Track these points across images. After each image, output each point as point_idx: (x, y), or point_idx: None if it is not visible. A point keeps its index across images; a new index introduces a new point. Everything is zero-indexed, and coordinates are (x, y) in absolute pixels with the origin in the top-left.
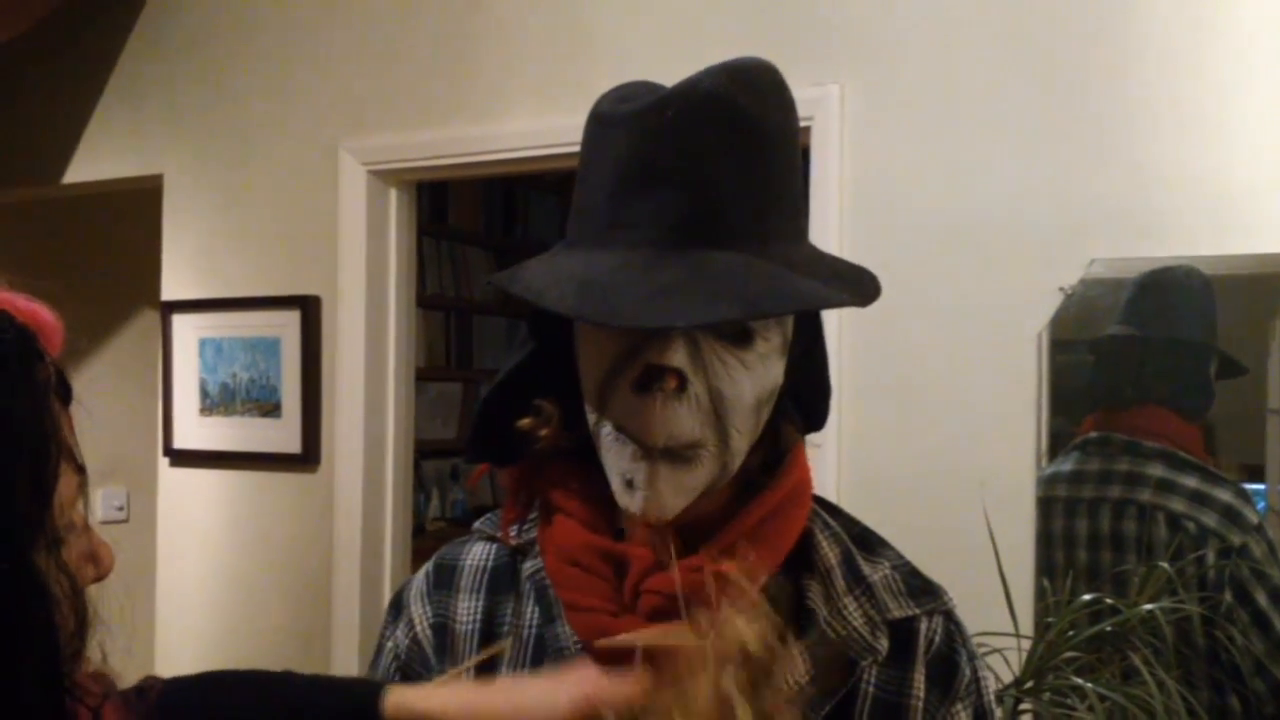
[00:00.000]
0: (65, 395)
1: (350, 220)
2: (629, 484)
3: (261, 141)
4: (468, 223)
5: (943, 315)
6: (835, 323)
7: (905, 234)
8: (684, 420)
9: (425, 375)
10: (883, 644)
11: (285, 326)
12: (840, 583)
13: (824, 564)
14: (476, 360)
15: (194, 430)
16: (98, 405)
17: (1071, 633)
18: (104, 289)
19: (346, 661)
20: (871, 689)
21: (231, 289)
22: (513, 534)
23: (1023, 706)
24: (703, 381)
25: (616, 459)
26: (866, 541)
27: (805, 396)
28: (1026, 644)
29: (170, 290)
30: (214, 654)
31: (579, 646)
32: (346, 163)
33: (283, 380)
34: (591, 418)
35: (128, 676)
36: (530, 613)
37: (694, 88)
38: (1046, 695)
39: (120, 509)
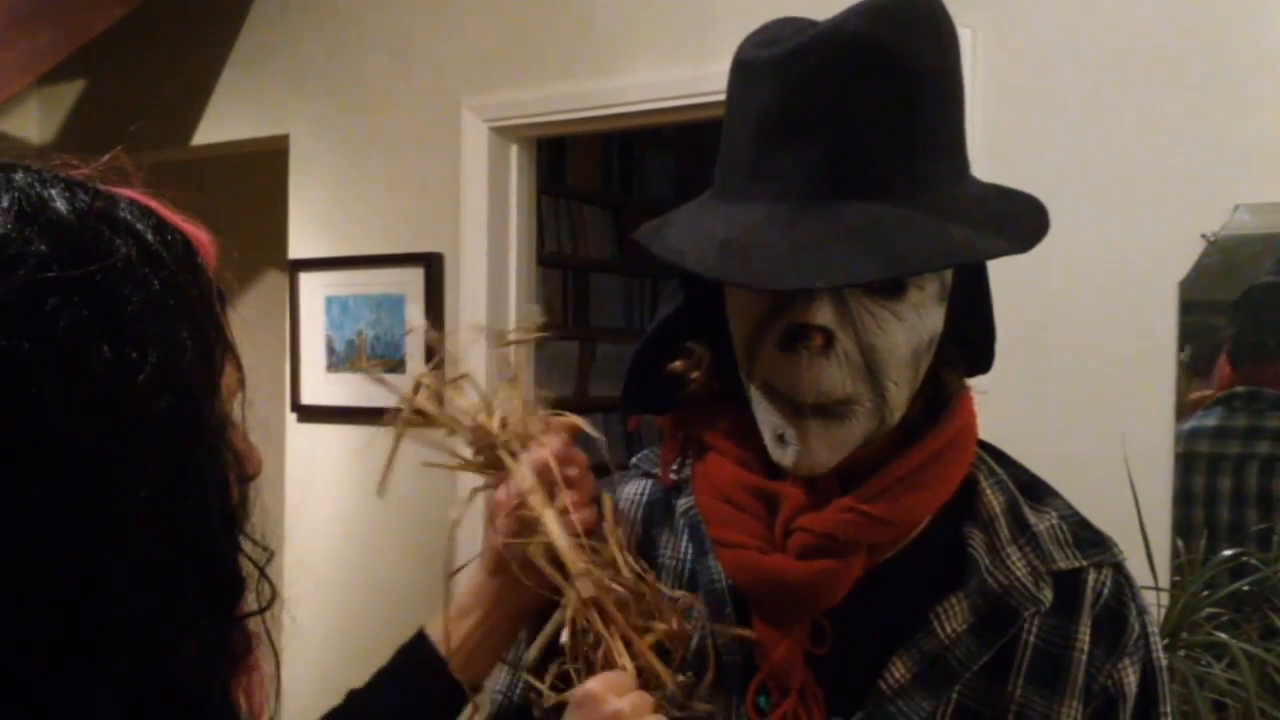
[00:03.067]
0: (222, 303)
1: (472, 177)
2: (780, 439)
3: (384, 100)
4: (586, 181)
5: (1079, 263)
6: None
7: (1039, 181)
8: (833, 376)
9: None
10: (1046, 595)
11: (409, 284)
12: (1004, 531)
13: (987, 512)
14: (593, 318)
15: (320, 386)
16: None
17: (1206, 592)
18: (235, 249)
19: None
20: (1033, 639)
21: (356, 247)
22: (670, 472)
23: None
24: (851, 337)
25: (767, 414)
26: (1034, 490)
27: (968, 339)
28: (1166, 601)
29: (297, 249)
30: (338, 606)
31: (729, 582)
32: (468, 120)
33: (406, 337)
34: (742, 371)
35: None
36: (684, 548)
37: (838, 30)
38: (1182, 652)
39: None
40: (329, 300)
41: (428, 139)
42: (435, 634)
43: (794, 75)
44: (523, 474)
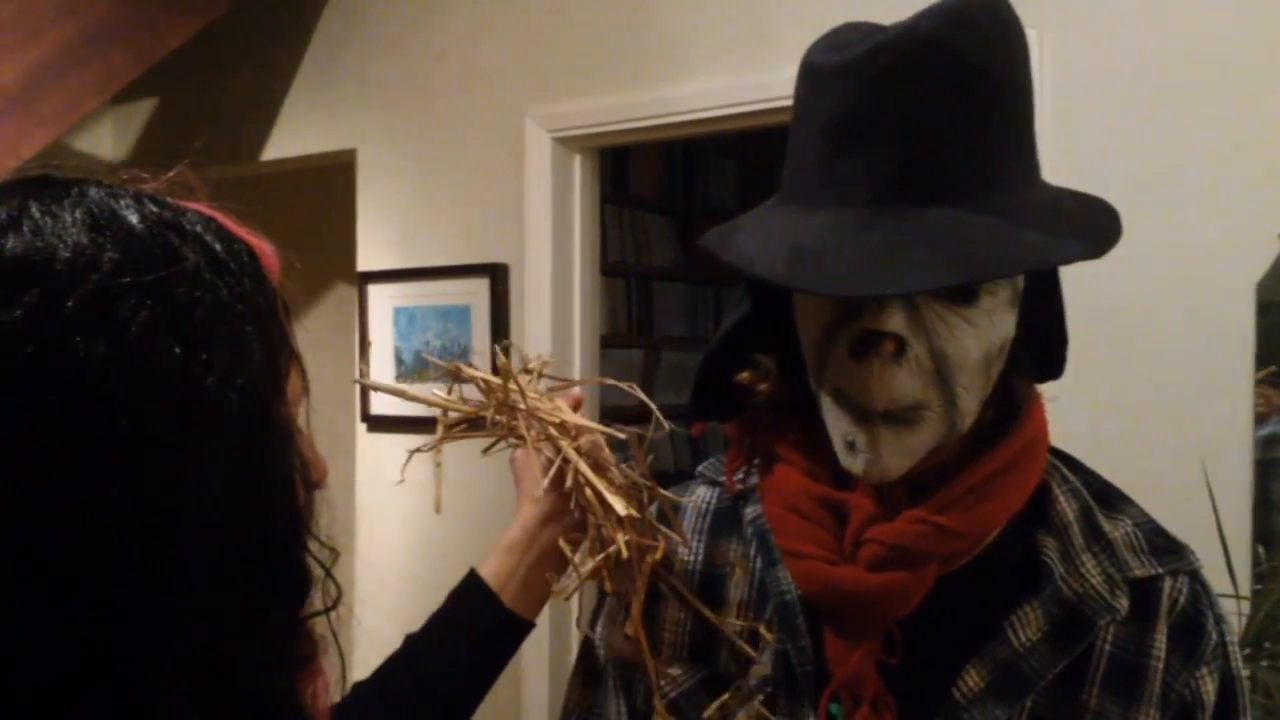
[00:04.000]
0: (286, 312)
1: (536, 188)
2: (850, 446)
3: (449, 112)
4: (648, 190)
5: (1154, 265)
6: None
7: (1108, 179)
8: (904, 383)
9: (608, 342)
10: (1122, 603)
11: (475, 294)
12: (1078, 539)
13: (1061, 520)
14: (657, 327)
15: (390, 397)
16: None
17: None
18: (303, 263)
19: (542, 619)
20: (1109, 648)
21: (423, 259)
22: (736, 480)
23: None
24: (923, 343)
25: (837, 421)
26: (1108, 497)
27: (1040, 345)
28: (1248, 610)
29: (365, 261)
30: (406, 613)
31: (799, 593)
32: (532, 130)
33: (473, 347)
34: (811, 378)
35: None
36: (753, 557)
37: (909, 34)
38: (1265, 663)
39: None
40: (397, 311)
41: (492, 150)
42: (486, 572)
43: (864, 80)
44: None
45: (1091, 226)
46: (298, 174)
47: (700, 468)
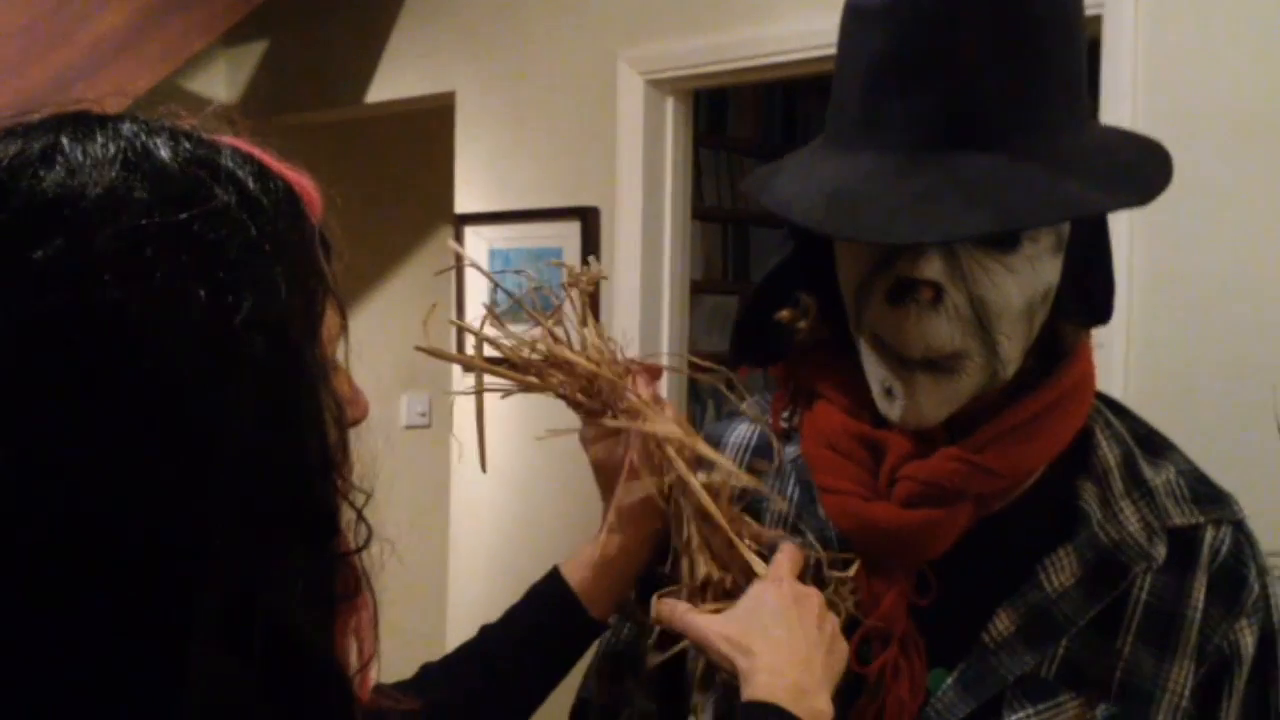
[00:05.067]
0: (326, 250)
1: (628, 130)
2: (888, 392)
3: (544, 54)
4: (746, 133)
5: (1243, 214)
6: (1126, 219)
7: (1204, 128)
8: (942, 331)
9: (702, 288)
10: (1159, 551)
11: (566, 237)
12: (1118, 485)
13: (1101, 465)
14: (753, 272)
15: (485, 335)
16: (400, 316)
17: None
18: (403, 205)
19: None
20: (1145, 596)
21: (518, 201)
22: (783, 419)
23: None
24: (962, 291)
25: (875, 367)
26: (1152, 444)
27: (1086, 291)
28: None
29: (463, 204)
30: (501, 549)
31: (837, 531)
32: (624, 72)
33: (563, 289)
34: (851, 322)
35: (425, 575)
36: (791, 494)
37: None
38: None
39: (423, 415)
40: (492, 253)
41: (585, 93)
42: (571, 577)
43: (906, 21)
44: (667, 425)
45: (1138, 172)
46: (400, 117)
47: (743, 405)
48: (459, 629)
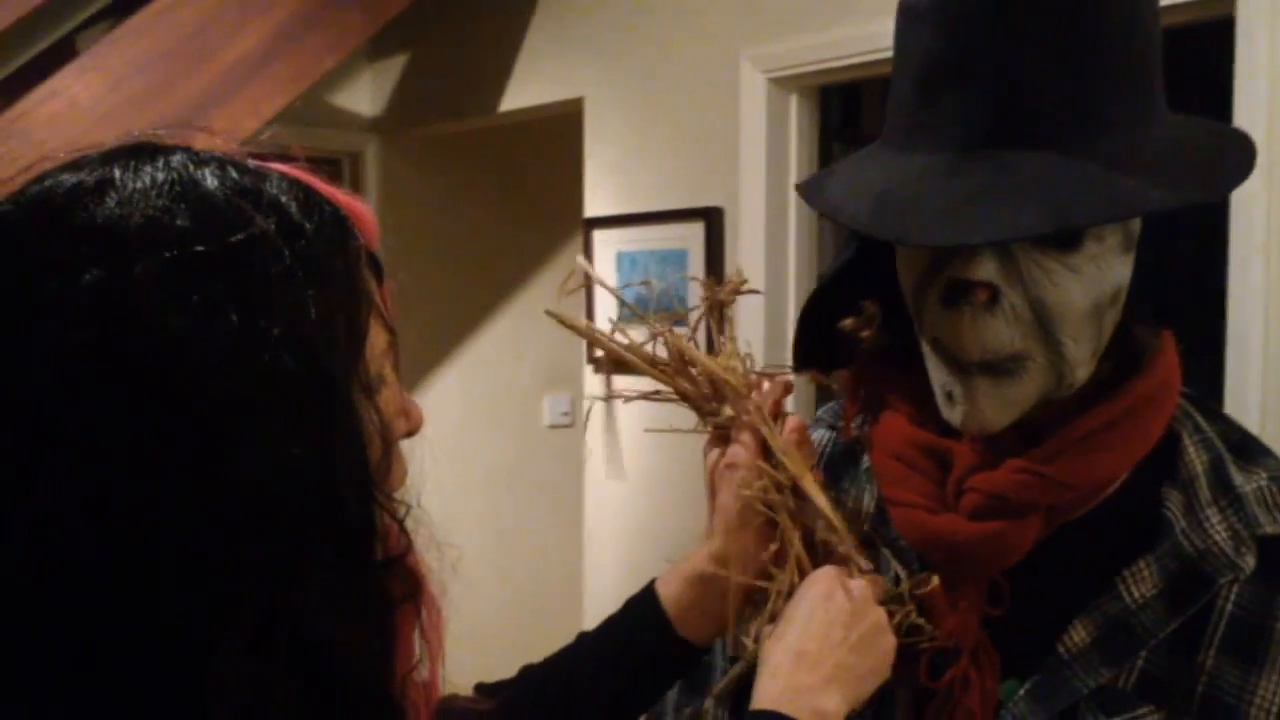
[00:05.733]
0: (377, 271)
1: (750, 130)
2: (949, 396)
3: (668, 57)
4: (880, 128)
5: None
6: (1265, 206)
7: None
8: (999, 334)
9: None
10: (1248, 561)
11: (690, 239)
12: (1204, 492)
13: (1188, 472)
14: None
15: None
16: (539, 319)
17: None
18: (538, 211)
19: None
20: (1230, 608)
21: (644, 204)
22: (854, 427)
23: None
24: (1019, 292)
25: (935, 370)
26: (1246, 449)
27: (1162, 290)
28: None
29: (592, 208)
30: (631, 547)
31: (908, 542)
32: (746, 72)
33: (689, 291)
34: (915, 325)
35: (566, 567)
36: (867, 505)
37: None
38: None
39: (565, 414)
40: (619, 256)
41: (708, 93)
42: (665, 596)
43: (955, 18)
44: (784, 441)
45: (1212, 167)
46: (533, 124)
47: (820, 411)
48: (594, 622)
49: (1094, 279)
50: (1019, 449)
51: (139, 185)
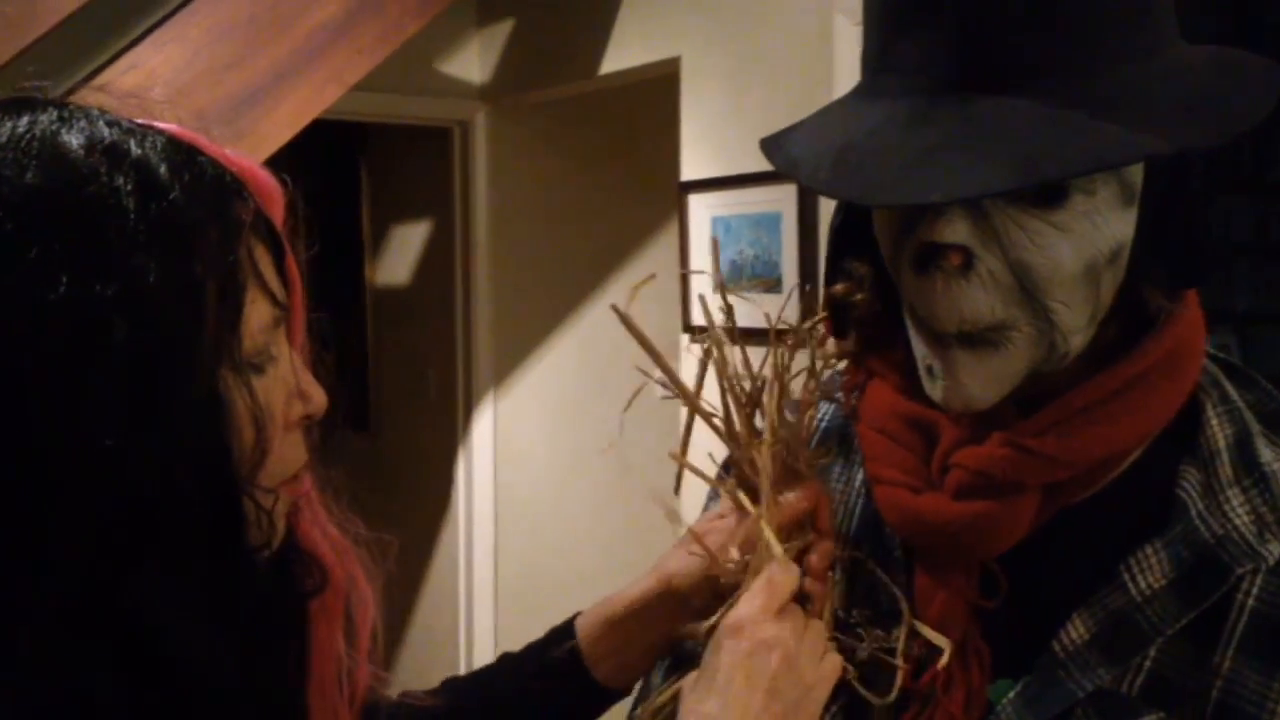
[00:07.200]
0: (271, 239)
1: (844, 86)
2: (929, 370)
3: (763, 12)
4: None
5: None
6: None
7: None
8: (976, 301)
9: None
10: (1271, 550)
11: (784, 201)
12: (1226, 470)
13: (1209, 447)
14: None
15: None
16: (643, 290)
17: None
18: (637, 176)
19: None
20: (1251, 602)
21: (737, 166)
22: (853, 398)
23: None
24: (997, 255)
25: (915, 343)
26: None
27: (1166, 248)
28: None
29: (688, 171)
30: None
31: (889, 525)
32: (841, 27)
33: (783, 256)
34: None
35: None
36: (858, 481)
37: None
38: None
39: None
40: (714, 221)
41: (802, 49)
42: (581, 623)
43: None
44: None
45: (1221, 106)
46: (632, 88)
47: (824, 378)
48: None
49: (1087, 236)
50: (1012, 422)
51: None
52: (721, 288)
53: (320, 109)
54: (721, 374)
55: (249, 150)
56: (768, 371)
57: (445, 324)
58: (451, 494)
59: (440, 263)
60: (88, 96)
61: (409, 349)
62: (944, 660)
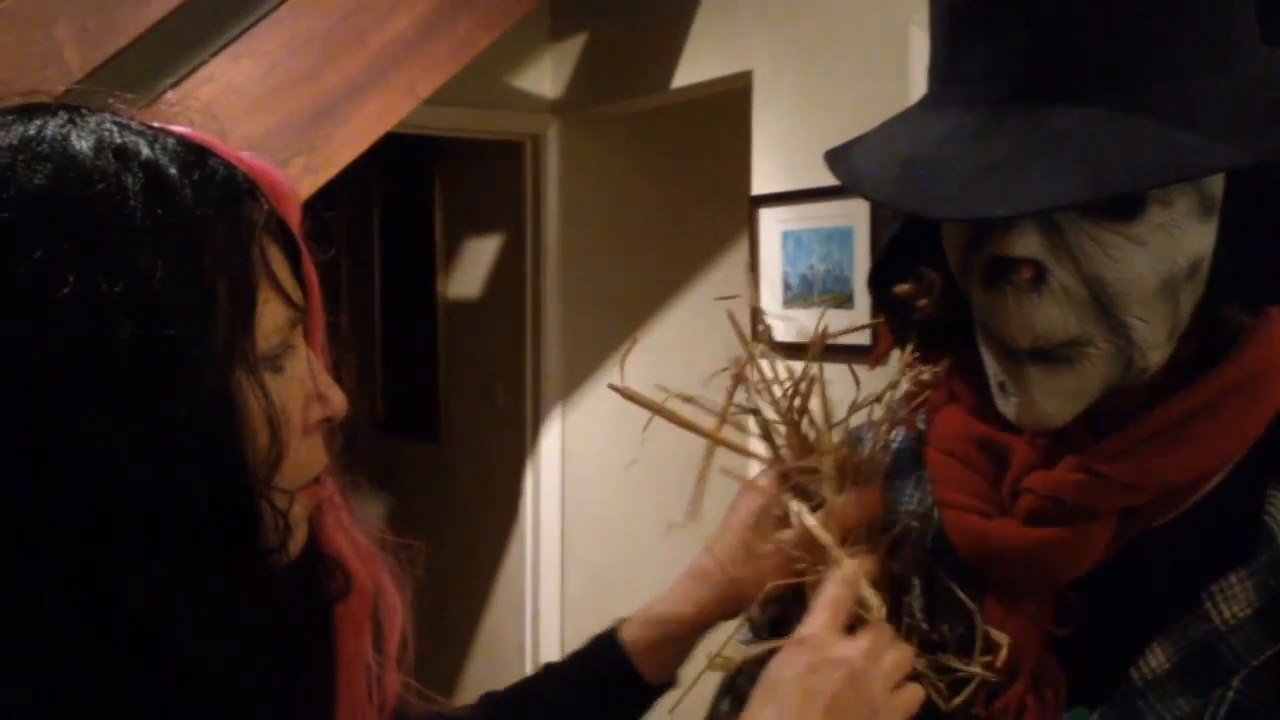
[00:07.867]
0: (286, 240)
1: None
2: (1002, 388)
3: (837, 26)
4: None
5: None
6: None
7: None
8: (1050, 316)
9: None
10: None
11: (855, 216)
12: None
13: None
14: None
15: (778, 323)
16: (712, 305)
17: None
18: (709, 191)
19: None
20: None
21: (809, 180)
22: (919, 418)
23: None
24: (1070, 269)
25: (986, 359)
26: None
27: (1250, 263)
28: None
29: (759, 185)
30: None
31: (960, 551)
32: (915, 39)
33: (855, 271)
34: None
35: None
36: (929, 503)
37: None
38: None
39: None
40: (784, 235)
41: (875, 63)
42: (626, 628)
43: None
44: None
45: None
46: (704, 101)
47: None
48: None
49: (1165, 249)
50: (1087, 444)
51: (4, 143)
52: (755, 310)
53: (392, 123)
54: (764, 386)
55: (322, 164)
56: (815, 390)
57: (515, 336)
58: (519, 506)
59: (511, 275)
60: (158, 110)
61: (479, 360)
62: (1002, 655)
